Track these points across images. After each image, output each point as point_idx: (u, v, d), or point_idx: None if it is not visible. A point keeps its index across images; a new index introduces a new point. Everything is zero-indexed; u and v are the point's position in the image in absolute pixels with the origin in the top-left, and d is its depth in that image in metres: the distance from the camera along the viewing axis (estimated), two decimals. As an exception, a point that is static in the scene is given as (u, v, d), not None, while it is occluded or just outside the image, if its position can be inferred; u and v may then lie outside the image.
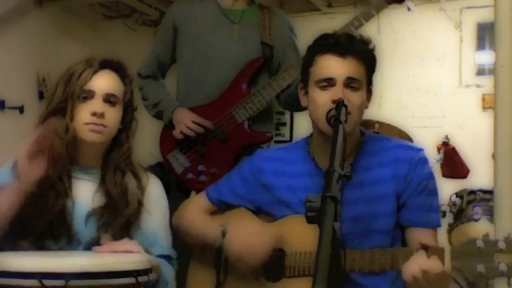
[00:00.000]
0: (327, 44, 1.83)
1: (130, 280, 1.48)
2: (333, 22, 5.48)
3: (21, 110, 4.59)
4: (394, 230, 1.84)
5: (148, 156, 3.62)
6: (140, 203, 1.84)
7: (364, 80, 1.83)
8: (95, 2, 5.30)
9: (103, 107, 1.77)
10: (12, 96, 4.59)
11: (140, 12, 5.61)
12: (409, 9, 2.54)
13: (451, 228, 3.60)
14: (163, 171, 2.73)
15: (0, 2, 4.51)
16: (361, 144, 1.89)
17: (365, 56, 1.83)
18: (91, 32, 5.36)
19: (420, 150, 1.90)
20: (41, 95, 4.76)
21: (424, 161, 1.87)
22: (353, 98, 1.78)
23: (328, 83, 1.79)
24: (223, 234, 1.84)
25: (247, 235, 1.81)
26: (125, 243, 1.70)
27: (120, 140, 1.84)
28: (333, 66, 1.80)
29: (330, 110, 1.71)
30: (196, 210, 2.04)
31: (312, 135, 1.95)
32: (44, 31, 4.89)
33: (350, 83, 1.79)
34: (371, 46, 1.86)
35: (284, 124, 5.62)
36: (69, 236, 1.73)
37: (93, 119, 1.75)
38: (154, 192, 1.91)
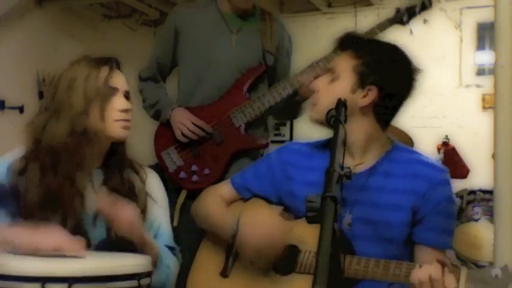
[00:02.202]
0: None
1: (132, 283, 1.47)
2: (333, 22, 5.49)
3: (21, 110, 4.60)
4: (405, 243, 1.82)
5: (147, 156, 3.62)
6: (148, 195, 1.85)
7: (348, 70, 1.83)
8: (95, 2, 5.31)
9: (127, 103, 1.78)
10: (12, 96, 4.60)
11: (140, 12, 5.62)
12: (411, 32, 2.58)
13: (451, 228, 3.60)
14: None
15: (0, 2, 4.51)
16: (387, 151, 1.88)
17: (355, 47, 1.86)
18: (91, 32, 5.37)
19: (444, 171, 1.86)
20: (40, 95, 4.76)
21: (446, 182, 1.83)
22: (322, 86, 1.86)
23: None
24: (237, 226, 1.83)
25: (262, 231, 1.80)
26: (126, 210, 1.67)
27: None
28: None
29: (330, 110, 1.71)
30: (216, 199, 2.02)
31: None
32: (43, 31, 4.90)
33: (330, 73, 1.86)
34: (347, 35, 1.90)
35: (284, 124, 5.63)
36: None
37: (123, 115, 1.75)
38: (154, 185, 1.91)
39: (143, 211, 1.82)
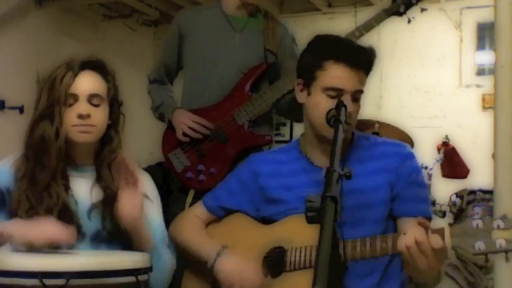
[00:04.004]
0: (340, 51, 1.84)
1: (130, 279, 1.48)
2: (333, 22, 5.49)
3: (21, 110, 4.58)
4: (387, 221, 1.88)
5: (148, 156, 3.62)
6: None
7: (363, 87, 1.87)
8: (95, 2, 5.30)
9: (88, 108, 1.79)
10: (12, 96, 4.59)
11: (140, 12, 5.61)
12: (409, 21, 2.58)
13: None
14: (164, 171, 2.75)
15: (0, 2, 4.51)
16: (352, 141, 1.94)
17: (369, 66, 1.88)
18: (91, 32, 5.36)
19: (407, 146, 1.98)
20: (41, 95, 4.74)
21: (412, 155, 1.93)
22: (354, 109, 1.83)
23: (337, 93, 1.81)
24: (215, 261, 1.88)
25: (236, 274, 1.84)
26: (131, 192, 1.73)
27: (109, 135, 1.87)
28: (345, 77, 1.81)
29: (330, 110, 1.73)
30: (193, 223, 2.05)
31: (302, 135, 1.99)
32: (44, 31, 4.89)
33: (356, 94, 1.83)
34: (373, 56, 1.88)
35: (284, 124, 5.62)
36: (78, 232, 1.74)
37: (79, 121, 1.78)
38: (146, 184, 1.93)
39: None
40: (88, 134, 1.79)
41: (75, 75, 1.80)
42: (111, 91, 1.86)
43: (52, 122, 1.77)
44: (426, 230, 1.57)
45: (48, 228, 1.60)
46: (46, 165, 1.76)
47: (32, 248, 1.59)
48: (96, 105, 1.81)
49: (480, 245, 1.51)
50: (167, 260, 1.84)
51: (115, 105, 1.88)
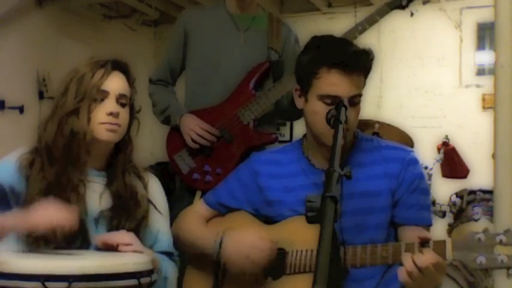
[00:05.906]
0: (333, 57, 1.79)
1: (132, 282, 1.47)
2: (333, 22, 5.49)
3: (21, 110, 4.59)
4: (389, 227, 1.86)
5: (148, 156, 3.63)
6: (150, 202, 1.86)
7: (362, 90, 1.83)
8: (95, 2, 5.31)
9: (117, 106, 1.79)
10: (12, 96, 4.59)
11: (140, 12, 5.62)
12: (412, 14, 2.57)
13: (451, 228, 3.60)
14: (164, 171, 2.75)
15: (0, 2, 4.51)
16: (354, 143, 1.92)
17: (367, 69, 1.83)
18: (91, 32, 5.37)
19: (411, 151, 1.93)
20: (41, 95, 4.75)
21: (415, 161, 1.89)
22: (352, 114, 1.77)
23: (333, 100, 1.77)
24: (220, 244, 1.86)
25: (245, 245, 1.83)
26: (125, 236, 1.70)
27: (124, 141, 1.85)
28: (340, 84, 1.77)
29: (330, 110, 1.72)
30: (195, 219, 2.04)
31: (305, 136, 1.98)
32: (44, 31, 4.90)
33: (353, 99, 1.79)
34: (370, 59, 1.83)
35: (284, 124, 5.62)
36: (84, 239, 1.73)
37: (109, 118, 1.76)
38: (155, 190, 1.93)
39: (145, 217, 1.84)
40: (114, 133, 1.78)
41: (108, 73, 1.79)
42: (133, 96, 1.86)
43: (78, 117, 1.74)
44: (428, 241, 1.57)
45: (50, 211, 1.58)
46: (76, 164, 1.74)
47: (36, 232, 1.59)
48: (123, 106, 1.80)
49: (482, 260, 1.50)
50: (167, 270, 1.82)
51: (133, 111, 1.87)
